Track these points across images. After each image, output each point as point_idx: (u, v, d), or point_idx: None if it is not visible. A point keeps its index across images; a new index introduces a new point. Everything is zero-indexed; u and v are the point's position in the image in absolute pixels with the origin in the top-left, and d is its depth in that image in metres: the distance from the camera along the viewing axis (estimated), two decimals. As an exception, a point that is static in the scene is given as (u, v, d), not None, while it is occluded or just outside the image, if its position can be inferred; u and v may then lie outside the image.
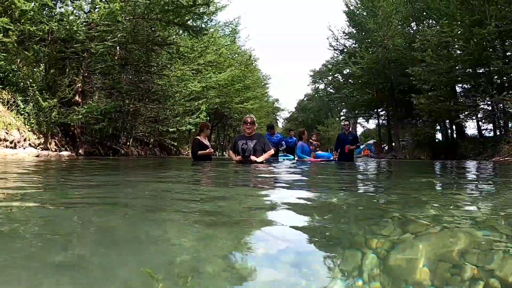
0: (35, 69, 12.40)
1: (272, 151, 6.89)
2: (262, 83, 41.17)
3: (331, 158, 10.93)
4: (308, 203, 1.98)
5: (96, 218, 1.45)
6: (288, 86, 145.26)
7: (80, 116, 12.21)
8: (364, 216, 1.58)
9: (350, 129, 10.26)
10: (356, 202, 2.04)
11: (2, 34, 10.61)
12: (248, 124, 6.85)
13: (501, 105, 17.12)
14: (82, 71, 13.44)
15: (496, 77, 17.97)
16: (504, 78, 17.24)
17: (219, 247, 1.06)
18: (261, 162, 6.46)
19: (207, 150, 7.89)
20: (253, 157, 6.40)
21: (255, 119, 7.08)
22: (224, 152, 34.48)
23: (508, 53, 16.87)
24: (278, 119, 70.80)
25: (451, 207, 1.78)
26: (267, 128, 11.82)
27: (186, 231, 1.27)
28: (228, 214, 1.62)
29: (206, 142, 8.02)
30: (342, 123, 10.83)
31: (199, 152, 7.76)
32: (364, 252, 0.97)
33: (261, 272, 0.89)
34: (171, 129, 16.08)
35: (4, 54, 11.31)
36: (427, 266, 0.88)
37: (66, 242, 1.08)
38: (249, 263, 0.94)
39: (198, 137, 8.07)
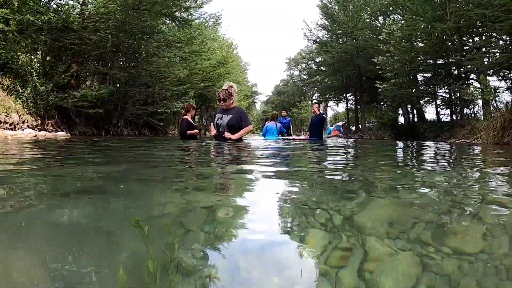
0: (32, 56, 12.31)
1: (250, 127, 5.68)
2: (242, 69, 41.33)
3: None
4: (284, 171, 2.16)
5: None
6: (266, 72, 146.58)
7: (76, 100, 12.27)
8: (332, 184, 1.62)
9: (318, 111, 10.18)
10: (327, 172, 2.18)
11: (2, 24, 10.43)
12: (221, 102, 5.63)
13: (457, 93, 17.28)
14: (75, 57, 13.36)
15: (454, 68, 18.13)
16: (461, 69, 17.26)
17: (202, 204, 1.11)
18: (239, 140, 5.59)
19: (195, 131, 7.65)
20: (227, 134, 5.46)
21: (233, 89, 5.63)
22: (207, 132, 34.64)
23: (465, 47, 17.05)
24: (256, 102, 71.37)
25: (408, 175, 1.99)
26: None
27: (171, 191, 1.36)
28: (210, 178, 1.74)
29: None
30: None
31: (188, 131, 7.52)
32: (331, 212, 0.98)
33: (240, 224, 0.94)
34: (159, 110, 16.19)
35: (4, 43, 11.13)
36: (385, 221, 0.94)
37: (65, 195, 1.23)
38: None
39: (185, 116, 7.75)
